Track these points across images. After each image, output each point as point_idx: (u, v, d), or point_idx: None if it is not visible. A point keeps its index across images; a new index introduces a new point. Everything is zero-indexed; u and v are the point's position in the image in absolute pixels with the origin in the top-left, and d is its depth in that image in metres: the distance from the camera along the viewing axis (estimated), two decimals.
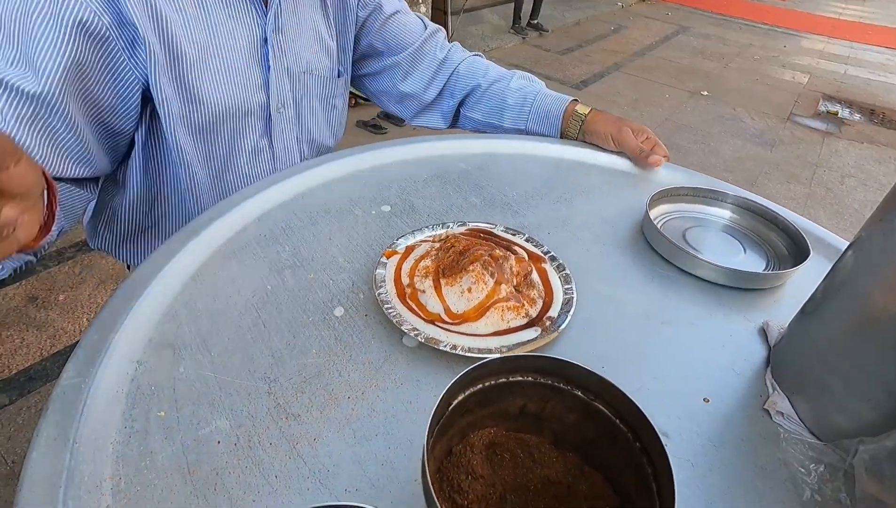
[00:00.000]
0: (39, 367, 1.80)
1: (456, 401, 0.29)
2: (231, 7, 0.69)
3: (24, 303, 2.01)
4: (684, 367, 0.53)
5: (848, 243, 0.47)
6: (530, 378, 0.32)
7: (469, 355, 0.49)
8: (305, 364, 0.49)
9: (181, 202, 0.80)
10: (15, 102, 0.54)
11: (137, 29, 0.60)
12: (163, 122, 0.68)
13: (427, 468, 0.24)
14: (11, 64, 0.55)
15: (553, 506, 0.32)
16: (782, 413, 0.47)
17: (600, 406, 0.31)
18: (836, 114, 4.58)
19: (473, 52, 1.01)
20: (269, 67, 0.74)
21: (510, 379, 0.32)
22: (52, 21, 0.55)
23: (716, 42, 6.42)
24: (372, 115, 3.59)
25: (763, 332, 0.57)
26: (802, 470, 0.42)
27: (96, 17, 0.57)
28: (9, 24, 0.54)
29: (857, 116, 4.59)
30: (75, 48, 0.56)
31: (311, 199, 0.73)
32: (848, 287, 0.44)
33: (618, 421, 0.30)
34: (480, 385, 0.31)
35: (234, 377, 0.47)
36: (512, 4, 5.47)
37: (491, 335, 0.51)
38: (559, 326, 0.53)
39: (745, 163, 3.66)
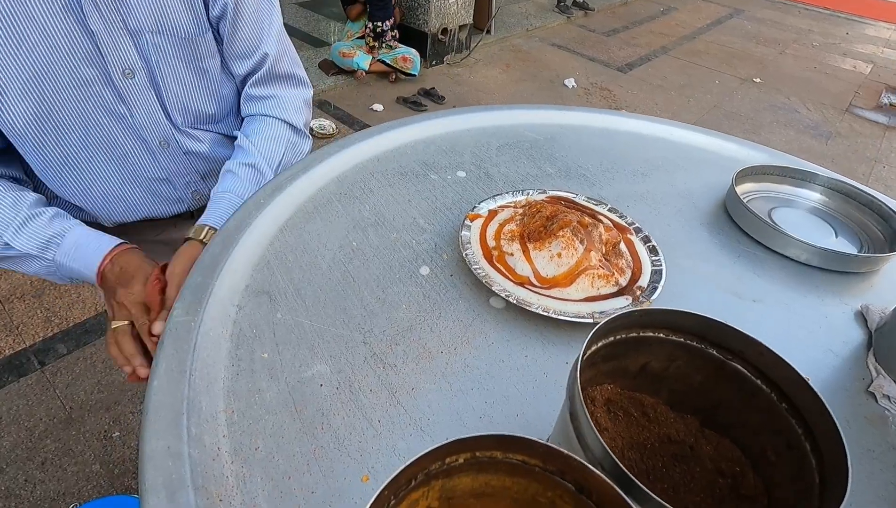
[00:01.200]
0: (94, 321, 1.88)
1: (590, 350, 0.29)
2: None
3: None
4: (780, 346, 0.50)
5: None
6: (661, 335, 0.31)
7: (561, 317, 0.48)
8: (397, 318, 0.50)
9: (62, 187, 0.71)
10: None
11: None
12: None
13: (582, 401, 0.24)
14: None
15: (673, 465, 0.32)
16: (889, 397, 0.45)
17: (739, 366, 0.30)
18: None
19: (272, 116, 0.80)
20: (91, 30, 0.61)
21: (641, 334, 0.31)
22: None
23: (771, 27, 6.11)
24: (413, 91, 3.57)
25: (860, 316, 0.55)
26: None
27: None
28: None
29: None
30: None
31: (387, 162, 0.73)
32: None
33: (760, 382, 0.29)
34: (613, 338, 0.31)
35: (330, 325, 0.48)
36: None
37: (582, 301, 0.51)
38: (650, 296, 0.52)
39: (797, 155, 3.48)
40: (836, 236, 0.66)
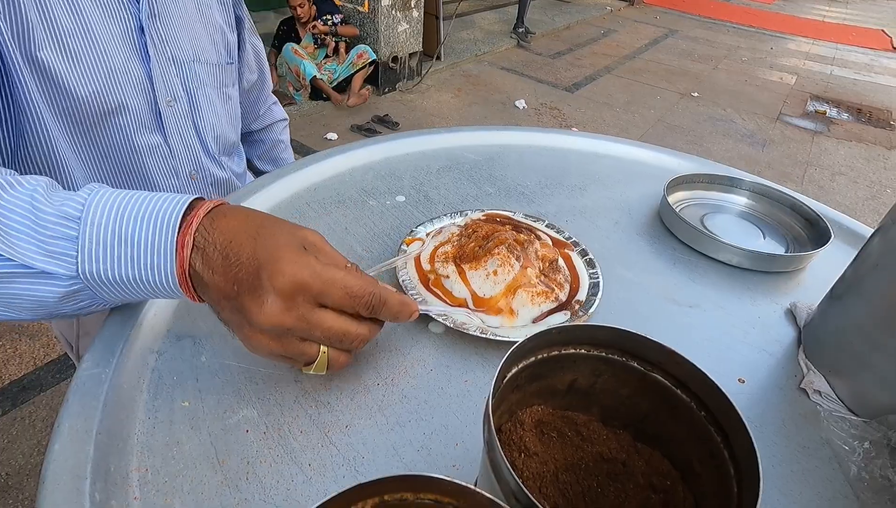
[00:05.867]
0: (33, 377, 1.75)
1: (510, 373, 0.28)
2: None
3: None
4: (716, 349, 0.52)
5: (877, 226, 0.47)
6: (583, 351, 0.31)
7: (499, 338, 0.47)
8: None
9: None
10: None
11: None
12: (25, 106, 0.57)
13: (493, 430, 0.23)
14: None
15: (608, 484, 0.31)
16: (820, 392, 0.46)
17: (658, 377, 0.30)
18: (824, 113, 4.65)
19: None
20: (148, 57, 0.65)
21: (563, 352, 0.30)
22: None
23: (704, 45, 6.50)
24: (366, 119, 3.59)
25: (790, 314, 0.57)
26: (846, 448, 0.41)
27: None
28: None
29: (844, 116, 4.66)
30: None
31: (324, 191, 0.71)
32: (885, 266, 0.43)
33: (679, 391, 0.29)
34: (534, 358, 0.30)
35: (259, 365, 0.45)
36: (502, 10, 5.51)
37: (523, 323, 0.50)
38: (588, 309, 0.52)
39: (737, 163, 3.70)
40: (765, 238, 0.68)
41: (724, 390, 0.26)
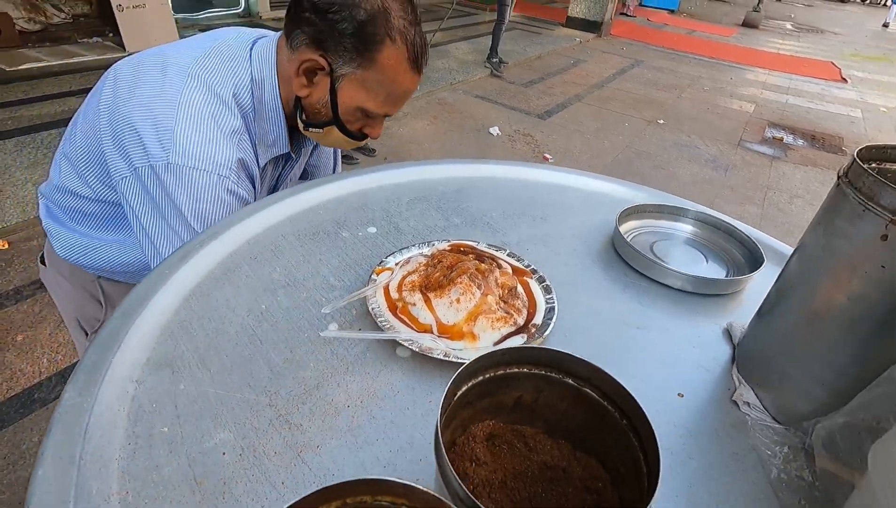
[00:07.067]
0: (1, 409, 1.70)
1: (460, 392, 0.32)
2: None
3: None
4: (659, 367, 0.57)
5: (793, 249, 0.53)
6: (525, 370, 0.35)
7: (460, 360, 0.51)
8: (304, 377, 0.51)
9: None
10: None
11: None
12: None
13: (442, 443, 0.27)
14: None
15: (551, 489, 0.35)
16: (748, 403, 0.51)
17: (589, 391, 0.34)
18: (781, 140, 4.91)
19: None
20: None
21: (507, 371, 0.35)
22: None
23: (668, 74, 6.83)
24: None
25: (728, 333, 0.62)
26: (769, 453, 0.46)
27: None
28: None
29: (800, 142, 4.93)
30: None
31: (299, 223, 0.75)
32: (798, 286, 0.49)
33: (606, 403, 0.33)
34: (481, 377, 0.34)
35: (235, 391, 0.48)
36: (476, 40, 5.70)
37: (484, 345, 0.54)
38: (544, 332, 0.56)
39: (701, 186, 3.87)
40: (707, 262, 0.75)
41: (639, 401, 0.31)
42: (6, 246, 2.37)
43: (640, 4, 12.57)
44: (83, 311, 0.94)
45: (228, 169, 0.74)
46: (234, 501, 0.40)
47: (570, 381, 0.34)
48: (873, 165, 0.48)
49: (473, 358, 0.32)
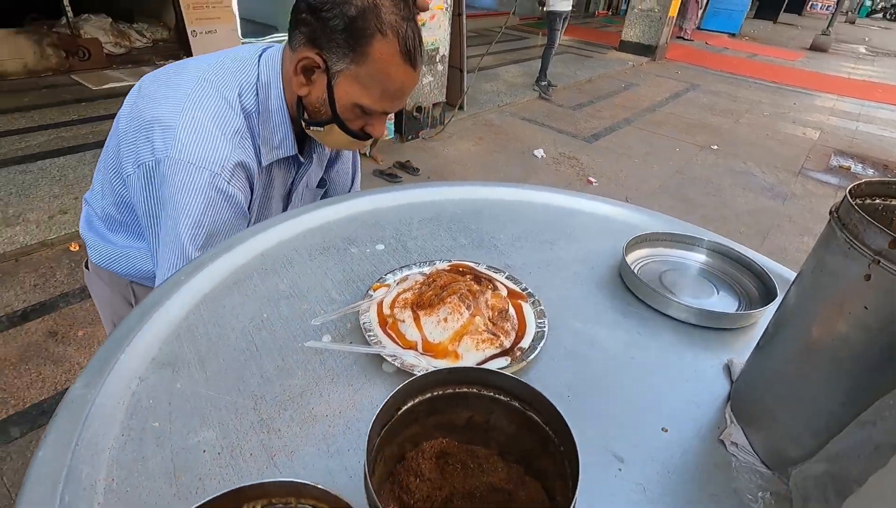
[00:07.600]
0: (53, 401, 1.85)
1: (405, 407, 0.33)
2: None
3: (44, 338, 2.09)
4: (647, 399, 0.55)
5: (790, 284, 0.51)
6: (475, 390, 0.36)
7: None
8: (290, 385, 0.53)
9: None
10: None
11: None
12: None
13: (369, 452, 0.28)
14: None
15: None
16: (736, 444, 0.49)
17: (533, 415, 0.34)
18: (848, 169, 4.60)
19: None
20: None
21: (457, 390, 0.35)
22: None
23: (725, 99, 6.59)
24: (389, 164, 3.76)
25: (728, 369, 0.60)
26: (750, 497, 0.44)
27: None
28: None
29: (870, 171, 4.60)
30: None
31: (312, 238, 0.79)
32: (791, 322, 0.47)
33: (547, 429, 0.33)
34: (429, 394, 0.35)
35: (225, 393, 0.51)
36: (526, 63, 5.76)
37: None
38: (529, 356, 0.56)
39: (756, 215, 3.68)
40: (718, 294, 0.72)
41: (572, 431, 0.31)
42: (77, 248, 2.60)
43: (698, 28, 12.24)
44: (119, 314, 1.02)
45: (222, 167, 0.78)
46: (206, 496, 0.42)
47: (517, 405, 0.35)
48: (877, 200, 0.46)
49: (416, 376, 0.33)
